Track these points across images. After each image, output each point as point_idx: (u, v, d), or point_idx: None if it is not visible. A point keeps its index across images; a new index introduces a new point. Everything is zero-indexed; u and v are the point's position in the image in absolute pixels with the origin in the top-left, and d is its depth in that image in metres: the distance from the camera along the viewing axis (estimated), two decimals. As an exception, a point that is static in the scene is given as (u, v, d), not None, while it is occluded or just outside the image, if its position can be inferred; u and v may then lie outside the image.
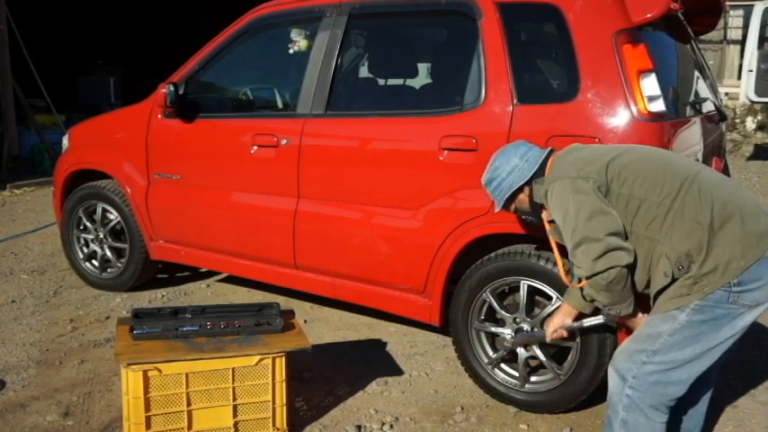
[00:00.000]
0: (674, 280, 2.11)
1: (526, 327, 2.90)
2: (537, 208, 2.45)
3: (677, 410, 2.43)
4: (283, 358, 2.64)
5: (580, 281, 2.32)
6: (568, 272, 2.47)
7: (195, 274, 4.76)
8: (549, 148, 2.48)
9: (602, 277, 2.13)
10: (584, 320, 2.49)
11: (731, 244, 2.03)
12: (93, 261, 4.48)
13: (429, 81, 3.75)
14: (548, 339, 2.59)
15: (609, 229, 2.12)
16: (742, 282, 2.03)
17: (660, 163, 2.20)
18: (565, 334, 2.55)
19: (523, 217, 2.69)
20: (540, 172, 2.41)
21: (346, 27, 3.44)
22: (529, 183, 2.43)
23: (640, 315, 2.29)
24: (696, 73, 3.48)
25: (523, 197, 2.49)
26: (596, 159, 2.23)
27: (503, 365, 3.03)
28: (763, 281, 2.04)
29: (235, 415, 2.64)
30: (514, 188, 2.45)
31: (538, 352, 2.91)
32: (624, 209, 2.15)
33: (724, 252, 2.03)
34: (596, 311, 2.48)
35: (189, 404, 2.57)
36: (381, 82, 3.97)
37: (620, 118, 2.73)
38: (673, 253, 2.09)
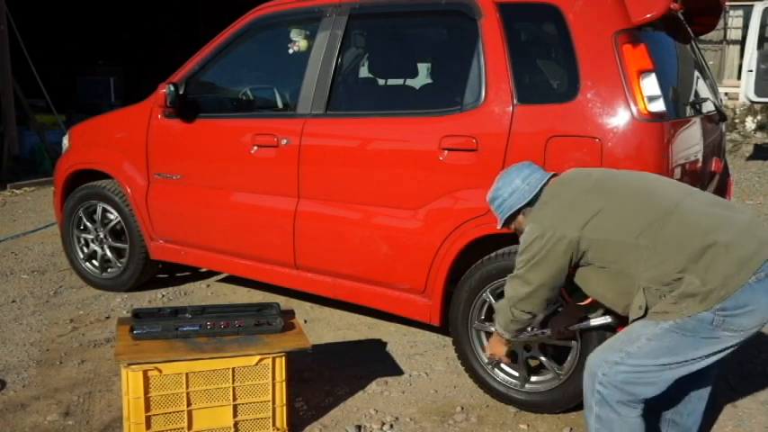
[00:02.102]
0: (647, 311, 2.16)
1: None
2: None
3: (674, 408, 2.44)
4: (283, 358, 2.64)
5: (581, 299, 2.43)
6: (571, 294, 2.51)
7: (195, 274, 4.76)
8: (551, 174, 2.49)
9: (515, 313, 2.39)
10: (591, 321, 2.49)
11: (712, 274, 2.03)
12: (94, 261, 4.48)
13: (429, 81, 3.75)
14: (553, 339, 2.61)
15: (543, 279, 2.28)
16: (726, 307, 2.02)
17: (641, 199, 2.21)
18: (570, 334, 2.56)
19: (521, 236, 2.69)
20: (538, 196, 2.43)
21: (346, 27, 3.44)
22: (527, 206, 2.45)
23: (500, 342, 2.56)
24: (696, 73, 3.48)
25: (521, 218, 2.51)
26: (579, 209, 2.24)
27: (503, 365, 3.02)
28: (750, 307, 2.02)
29: (235, 415, 2.64)
30: (513, 210, 2.48)
31: (538, 352, 2.91)
32: (601, 251, 2.20)
33: (704, 283, 2.03)
34: (604, 313, 2.50)
35: (189, 404, 2.57)
36: (381, 82, 3.97)
37: (620, 118, 2.73)
38: (651, 284, 2.12)
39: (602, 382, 2.19)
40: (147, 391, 2.51)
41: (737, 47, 12.71)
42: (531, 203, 2.42)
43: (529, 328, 2.88)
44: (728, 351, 2.12)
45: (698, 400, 2.45)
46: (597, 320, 2.48)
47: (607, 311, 2.47)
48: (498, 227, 2.58)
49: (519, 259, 2.35)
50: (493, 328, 3.00)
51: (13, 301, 4.26)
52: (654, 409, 2.50)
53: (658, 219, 2.12)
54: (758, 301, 2.02)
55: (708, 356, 2.11)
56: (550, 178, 2.45)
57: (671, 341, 2.10)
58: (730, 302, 2.01)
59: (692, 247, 2.05)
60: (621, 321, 2.43)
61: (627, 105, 2.72)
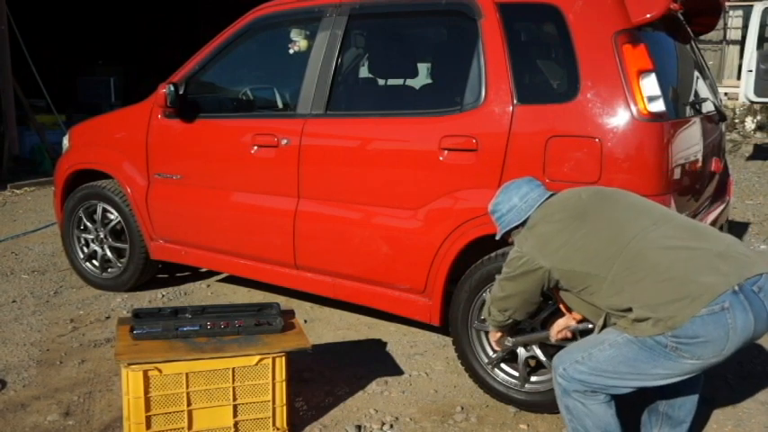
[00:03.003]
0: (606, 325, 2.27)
1: (526, 327, 2.91)
2: None
3: (666, 401, 2.47)
4: (283, 358, 2.64)
5: (569, 310, 2.52)
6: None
7: (195, 274, 4.77)
8: (549, 193, 2.52)
9: (491, 309, 2.59)
10: (590, 323, 2.50)
11: (661, 306, 2.07)
12: (94, 261, 4.48)
13: (429, 81, 3.75)
14: (552, 340, 2.63)
15: (515, 291, 2.44)
16: (677, 335, 2.05)
17: (609, 232, 2.24)
18: (569, 335, 2.58)
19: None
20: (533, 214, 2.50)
21: (346, 27, 3.44)
22: (523, 224, 2.49)
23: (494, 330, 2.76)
24: (696, 73, 3.49)
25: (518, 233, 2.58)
26: (554, 240, 2.32)
27: (503, 365, 3.03)
28: (702, 338, 2.03)
29: (235, 415, 2.64)
30: (511, 226, 2.54)
31: (538, 352, 2.91)
32: (570, 279, 2.29)
33: (654, 312, 2.08)
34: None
35: (189, 404, 2.57)
36: (381, 82, 3.97)
37: (620, 118, 2.73)
38: (609, 310, 2.22)
39: (562, 376, 2.30)
40: (147, 391, 2.51)
41: (737, 47, 12.71)
42: (524, 223, 2.49)
43: (529, 328, 2.89)
44: (695, 373, 2.16)
45: (690, 392, 2.47)
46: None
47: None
48: (497, 237, 2.64)
49: (503, 268, 2.50)
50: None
51: (14, 301, 4.26)
52: (646, 402, 2.53)
53: (618, 253, 2.17)
54: (710, 333, 2.03)
55: (669, 377, 2.16)
56: (547, 198, 2.49)
57: (630, 352, 2.16)
58: (681, 332, 2.04)
59: (645, 282, 2.11)
60: None
61: (627, 105, 2.72)
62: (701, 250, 2.14)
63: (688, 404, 2.48)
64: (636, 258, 2.14)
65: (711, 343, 2.04)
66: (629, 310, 2.14)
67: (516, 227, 2.52)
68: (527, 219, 2.47)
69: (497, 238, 2.63)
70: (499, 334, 2.78)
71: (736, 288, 2.03)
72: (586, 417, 2.28)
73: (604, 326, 2.27)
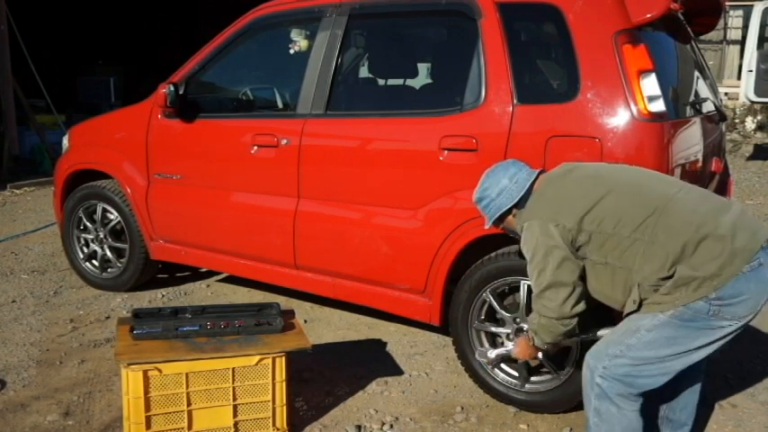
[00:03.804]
0: (641, 304, 2.17)
1: (526, 327, 2.90)
2: None
3: (666, 404, 2.46)
4: (283, 358, 2.64)
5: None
6: None
7: (195, 274, 4.77)
8: (538, 170, 2.48)
9: (564, 323, 2.26)
10: (599, 331, 2.45)
11: (703, 265, 2.05)
12: (94, 261, 4.48)
13: (429, 81, 3.75)
14: (550, 352, 2.60)
15: (575, 276, 2.22)
16: (721, 297, 2.04)
17: (636, 193, 2.21)
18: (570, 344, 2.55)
19: (512, 235, 2.67)
20: (527, 195, 2.42)
21: (346, 27, 3.44)
22: (517, 205, 2.44)
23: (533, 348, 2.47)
24: (696, 73, 3.48)
25: (511, 218, 2.50)
26: (576, 201, 2.23)
27: (503, 365, 3.03)
28: (744, 296, 2.04)
29: (235, 415, 2.64)
30: (503, 210, 2.47)
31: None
32: (600, 244, 2.19)
33: (697, 273, 2.05)
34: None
35: (189, 404, 2.57)
36: (381, 82, 3.98)
37: (620, 118, 2.73)
38: (646, 280, 2.13)
39: (603, 375, 2.19)
40: (147, 391, 2.51)
41: (737, 47, 12.72)
42: (520, 203, 2.42)
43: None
44: (727, 339, 2.14)
45: (690, 393, 2.46)
46: (602, 331, 2.44)
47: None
48: (486, 227, 2.58)
49: (534, 269, 2.28)
50: (493, 329, 3.02)
51: (13, 301, 4.26)
52: (646, 406, 2.51)
53: (654, 213, 2.13)
54: (751, 289, 2.05)
55: (707, 345, 2.12)
56: (539, 174, 2.45)
57: (669, 332, 2.11)
58: (725, 292, 2.03)
59: (686, 241, 2.07)
60: None
61: (627, 105, 2.72)
62: (727, 211, 2.15)
63: (689, 407, 2.47)
64: (673, 221, 2.10)
65: (751, 300, 2.06)
66: (669, 277, 2.08)
67: (509, 210, 2.45)
68: (521, 199, 2.40)
69: (487, 227, 2.56)
70: (539, 350, 2.54)
71: (765, 245, 2.06)
72: (618, 423, 2.21)
73: (638, 304, 2.16)
